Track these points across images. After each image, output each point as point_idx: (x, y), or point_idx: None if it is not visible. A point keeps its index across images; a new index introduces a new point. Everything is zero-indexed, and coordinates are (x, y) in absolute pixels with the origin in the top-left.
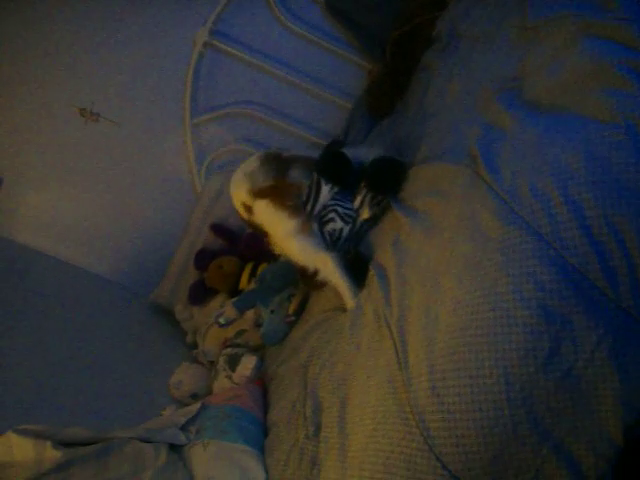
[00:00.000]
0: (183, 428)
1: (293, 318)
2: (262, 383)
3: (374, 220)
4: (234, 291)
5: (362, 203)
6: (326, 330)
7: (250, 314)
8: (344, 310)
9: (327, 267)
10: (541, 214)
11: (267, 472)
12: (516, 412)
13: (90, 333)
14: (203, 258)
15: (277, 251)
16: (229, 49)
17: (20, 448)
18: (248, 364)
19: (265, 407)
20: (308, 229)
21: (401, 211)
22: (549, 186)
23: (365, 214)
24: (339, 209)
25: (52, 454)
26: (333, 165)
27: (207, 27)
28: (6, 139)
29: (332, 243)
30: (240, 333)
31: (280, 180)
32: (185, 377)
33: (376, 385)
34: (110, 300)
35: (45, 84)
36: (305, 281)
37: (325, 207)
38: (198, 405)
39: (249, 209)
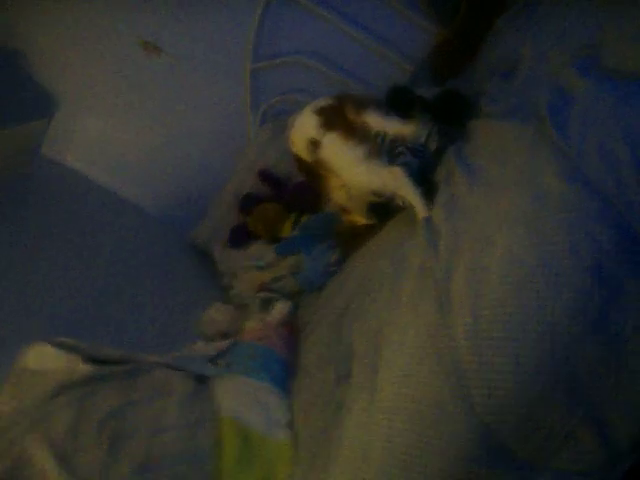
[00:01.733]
0: (212, 361)
1: (334, 268)
2: (293, 329)
3: (440, 154)
4: (275, 238)
5: (429, 135)
6: (366, 279)
7: (289, 261)
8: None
9: (398, 179)
10: (608, 175)
11: (291, 413)
12: (556, 371)
13: (127, 263)
14: (248, 202)
15: (333, 197)
16: None
17: (53, 358)
18: (282, 308)
19: (294, 351)
20: (376, 154)
21: (461, 168)
22: (620, 149)
23: (433, 146)
24: (409, 143)
25: (83, 368)
26: (400, 96)
27: None
28: (69, 62)
29: None
30: (277, 279)
31: (350, 114)
32: (217, 315)
33: (414, 334)
34: (150, 234)
35: (112, 13)
36: (343, 238)
37: (394, 141)
38: (229, 341)
39: (316, 144)
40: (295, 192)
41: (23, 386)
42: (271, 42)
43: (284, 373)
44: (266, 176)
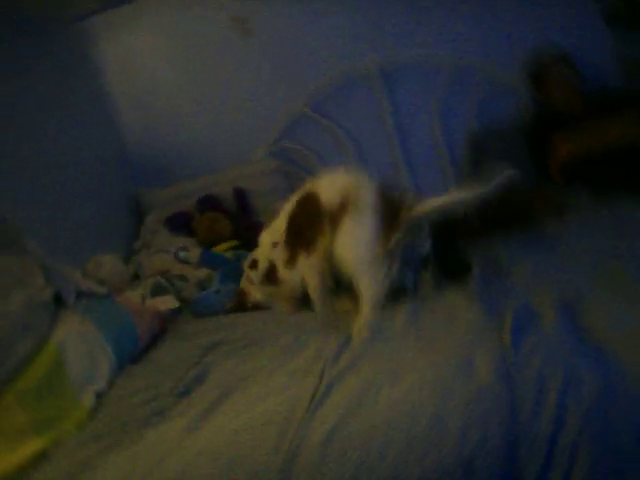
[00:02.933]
0: (77, 294)
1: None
2: (164, 326)
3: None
4: (208, 247)
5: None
6: (259, 338)
7: (203, 272)
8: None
9: (370, 286)
10: (530, 397)
11: (111, 385)
12: None
13: (75, 171)
14: (207, 202)
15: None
16: None
17: None
18: (168, 302)
19: (149, 341)
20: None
21: (408, 311)
22: (555, 383)
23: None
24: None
25: None
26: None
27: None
28: None
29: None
30: (183, 277)
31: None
32: (108, 264)
33: (275, 400)
34: (114, 163)
35: None
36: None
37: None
38: (105, 290)
39: (353, 196)
40: (253, 228)
41: None
42: None
43: (130, 352)
44: (240, 194)
